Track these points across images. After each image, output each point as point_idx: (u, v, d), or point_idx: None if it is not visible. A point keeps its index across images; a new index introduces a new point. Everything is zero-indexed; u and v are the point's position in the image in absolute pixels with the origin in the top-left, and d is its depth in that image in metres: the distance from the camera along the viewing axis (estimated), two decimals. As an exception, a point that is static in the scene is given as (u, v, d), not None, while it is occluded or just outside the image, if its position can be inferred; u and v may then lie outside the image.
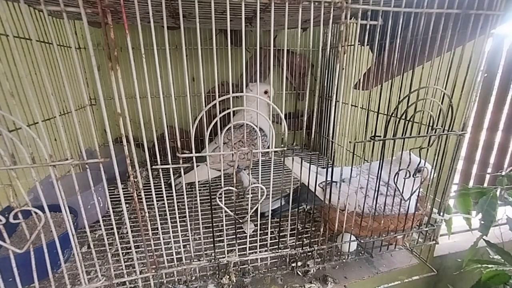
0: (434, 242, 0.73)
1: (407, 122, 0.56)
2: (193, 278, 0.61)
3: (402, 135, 0.57)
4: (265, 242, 0.62)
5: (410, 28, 0.51)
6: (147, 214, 0.48)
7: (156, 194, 0.48)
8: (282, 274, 0.63)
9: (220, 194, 0.50)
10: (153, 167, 0.46)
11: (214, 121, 0.45)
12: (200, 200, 0.52)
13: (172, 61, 0.55)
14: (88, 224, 0.48)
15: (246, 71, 1.23)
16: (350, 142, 0.55)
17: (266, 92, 0.90)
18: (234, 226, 0.56)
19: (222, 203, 0.50)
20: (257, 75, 0.50)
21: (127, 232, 0.56)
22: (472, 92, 0.60)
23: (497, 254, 1.03)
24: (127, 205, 0.87)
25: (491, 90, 1.53)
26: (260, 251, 0.60)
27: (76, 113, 0.41)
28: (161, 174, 0.47)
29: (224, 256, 0.58)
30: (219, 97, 0.46)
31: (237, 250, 0.59)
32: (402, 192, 0.61)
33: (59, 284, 0.58)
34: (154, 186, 0.48)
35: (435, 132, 0.57)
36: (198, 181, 0.53)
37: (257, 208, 0.55)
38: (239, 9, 0.45)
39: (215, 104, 0.46)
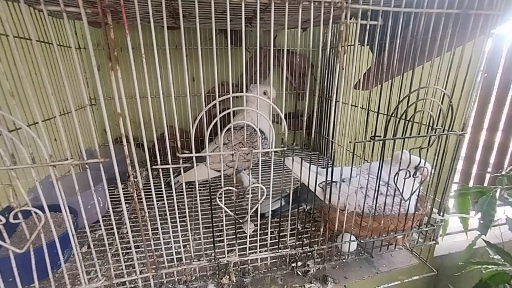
0: (434, 242, 0.73)
1: (407, 122, 0.56)
2: (193, 278, 0.61)
3: (402, 135, 0.57)
4: (265, 242, 0.62)
5: (410, 28, 0.51)
6: (147, 214, 0.48)
7: (156, 194, 0.48)
8: (282, 274, 0.63)
9: (220, 194, 0.50)
10: (153, 167, 0.46)
11: (214, 121, 0.45)
12: (200, 200, 0.52)
13: (172, 61, 0.55)
14: (88, 224, 0.48)
15: (246, 71, 1.23)
16: (350, 142, 0.55)
17: (265, 93, 0.90)
18: (234, 226, 0.56)
19: (222, 203, 0.50)
20: (257, 75, 0.50)
21: (127, 232, 0.56)
22: (472, 92, 0.60)
23: (497, 254, 1.03)
24: (127, 205, 0.87)
25: (491, 90, 1.53)
26: (260, 251, 0.60)
27: (76, 113, 0.41)
28: (161, 174, 0.47)
29: (224, 256, 0.58)
30: (219, 97, 0.46)
31: (237, 250, 0.59)
32: (402, 192, 0.61)
33: (59, 284, 0.58)
34: (154, 186, 0.48)
35: (435, 132, 0.57)
36: (198, 181, 0.53)
37: (257, 208, 0.55)
38: (239, 9, 0.45)
39: (215, 104, 0.46)
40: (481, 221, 0.83)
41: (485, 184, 1.63)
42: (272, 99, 0.47)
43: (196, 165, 0.47)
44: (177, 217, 0.53)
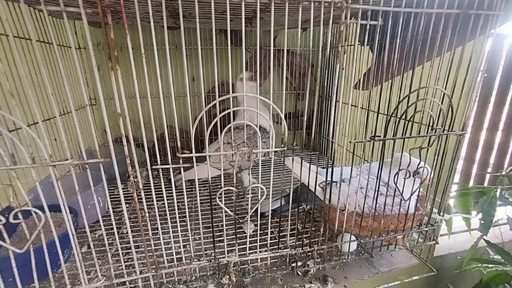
0: (434, 242, 0.73)
1: (407, 122, 0.56)
2: (193, 278, 0.61)
3: (402, 135, 0.57)
4: (265, 242, 0.62)
5: (410, 28, 0.51)
6: (147, 214, 0.48)
7: (156, 194, 0.48)
8: (282, 274, 0.63)
9: (220, 194, 0.50)
10: (153, 167, 0.46)
11: (214, 121, 0.45)
12: (200, 200, 0.52)
13: (172, 61, 0.55)
14: (88, 224, 0.48)
15: (246, 71, 1.22)
16: (350, 142, 0.55)
17: (251, 78, 0.89)
18: (234, 226, 0.56)
19: (222, 203, 0.50)
20: (257, 75, 0.50)
21: (127, 232, 0.56)
22: (472, 92, 0.60)
23: (497, 254, 1.03)
24: (127, 205, 0.87)
25: (491, 90, 1.52)
26: (260, 251, 0.60)
27: (76, 113, 0.41)
28: (161, 174, 0.47)
29: (224, 256, 0.58)
30: (219, 97, 0.46)
31: (237, 250, 0.59)
32: (402, 192, 0.61)
33: (59, 284, 0.58)
34: (154, 186, 0.48)
35: (435, 132, 0.57)
36: (198, 179, 0.53)
37: (257, 208, 0.55)
38: (239, 9, 0.45)
39: (215, 104, 0.46)
40: (482, 221, 0.83)
41: (485, 184, 1.63)
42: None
43: (196, 165, 0.47)
44: (177, 217, 0.53)
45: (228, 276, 0.60)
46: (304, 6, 0.45)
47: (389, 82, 0.54)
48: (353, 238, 0.66)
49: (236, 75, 1.20)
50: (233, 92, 0.88)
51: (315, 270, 0.65)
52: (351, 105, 0.55)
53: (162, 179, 0.48)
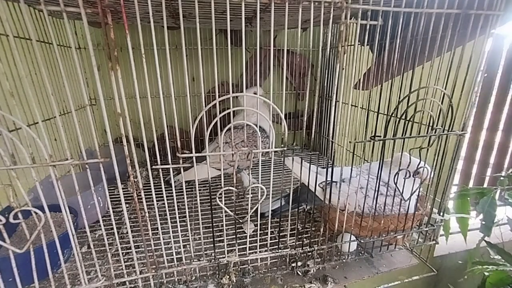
0: (434, 242, 0.73)
1: (407, 122, 0.56)
2: (193, 278, 0.61)
3: (402, 135, 0.57)
4: (265, 242, 0.62)
5: (410, 28, 0.51)
6: (147, 214, 0.48)
7: (156, 194, 0.48)
8: (282, 274, 0.63)
9: (220, 194, 0.50)
10: (153, 167, 0.46)
11: (214, 121, 0.45)
12: (200, 200, 0.52)
13: (172, 61, 0.55)
14: (88, 224, 0.48)
15: (246, 71, 1.23)
16: (350, 142, 0.55)
17: (255, 94, 0.91)
18: (234, 226, 0.56)
19: (222, 203, 0.50)
20: (257, 75, 0.50)
21: (127, 232, 0.56)
22: (472, 92, 0.60)
23: (498, 255, 1.03)
24: (127, 205, 0.87)
25: (491, 90, 1.53)
26: (260, 251, 0.60)
27: (76, 113, 0.41)
28: (161, 174, 0.47)
29: (224, 256, 0.58)
30: (219, 97, 0.46)
31: (237, 250, 0.59)
32: (402, 192, 0.61)
33: (59, 284, 0.58)
34: (154, 186, 0.48)
35: (435, 132, 0.57)
36: (198, 180, 0.53)
37: (257, 208, 0.55)
38: (239, 9, 0.45)
39: (215, 104, 0.46)
40: (483, 222, 0.83)
41: (485, 184, 1.63)
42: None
43: (196, 165, 0.47)
44: (177, 217, 0.53)
45: (228, 276, 0.60)
46: (304, 6, 0.45)
47: (389, 82, 0.54)
48: (353, 238, 0.66)
49: (236, 75, 1.21)
50: (236, 92, 0.88)
51: (315, 270, 0.65)
52: (351, 105, 0.55)
53: (162, 179, 0.48)
